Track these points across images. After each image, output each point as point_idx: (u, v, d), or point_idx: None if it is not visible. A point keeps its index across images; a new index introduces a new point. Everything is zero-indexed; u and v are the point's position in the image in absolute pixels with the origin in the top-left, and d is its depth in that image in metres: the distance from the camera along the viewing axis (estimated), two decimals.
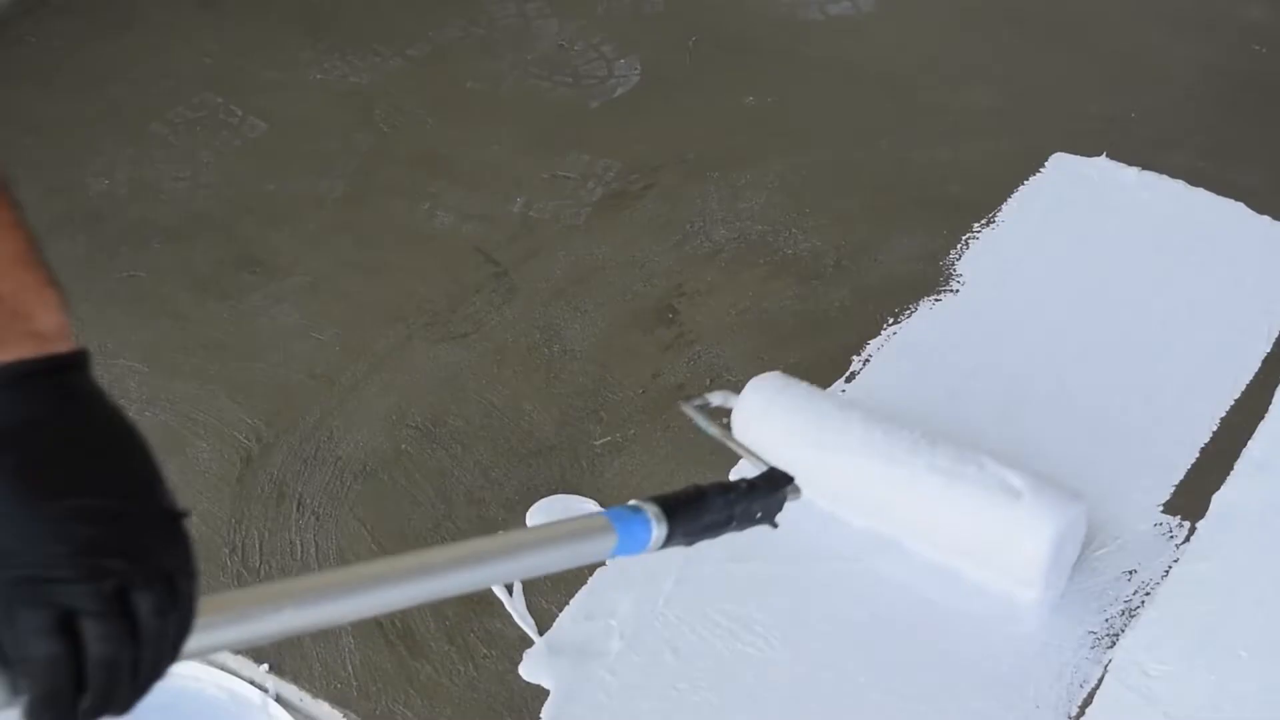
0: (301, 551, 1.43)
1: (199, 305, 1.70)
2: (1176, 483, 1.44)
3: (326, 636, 1.35)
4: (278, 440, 1.55)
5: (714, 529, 1.07)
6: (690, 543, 1.06)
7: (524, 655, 1.33)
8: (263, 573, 1.41)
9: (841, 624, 1.34)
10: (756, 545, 1.33)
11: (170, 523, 0.80)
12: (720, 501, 1.08)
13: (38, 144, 1.93)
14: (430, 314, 1.68)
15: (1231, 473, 1.45)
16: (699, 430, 1.25)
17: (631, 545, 1.03)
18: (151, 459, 0.80)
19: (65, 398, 0.81)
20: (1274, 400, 1.52)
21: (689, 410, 1.28)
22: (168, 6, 2.17)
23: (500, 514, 1.46)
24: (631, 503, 1.04)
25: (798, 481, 1.12)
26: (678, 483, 1.45)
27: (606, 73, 2.01)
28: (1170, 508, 1.42)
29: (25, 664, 0.69)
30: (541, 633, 1.34)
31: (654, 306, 1.68)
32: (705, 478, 1.43)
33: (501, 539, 1.00)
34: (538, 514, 1.45)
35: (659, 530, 1.03)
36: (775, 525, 1.11)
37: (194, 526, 1.38)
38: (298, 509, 1.48)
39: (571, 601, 1.37)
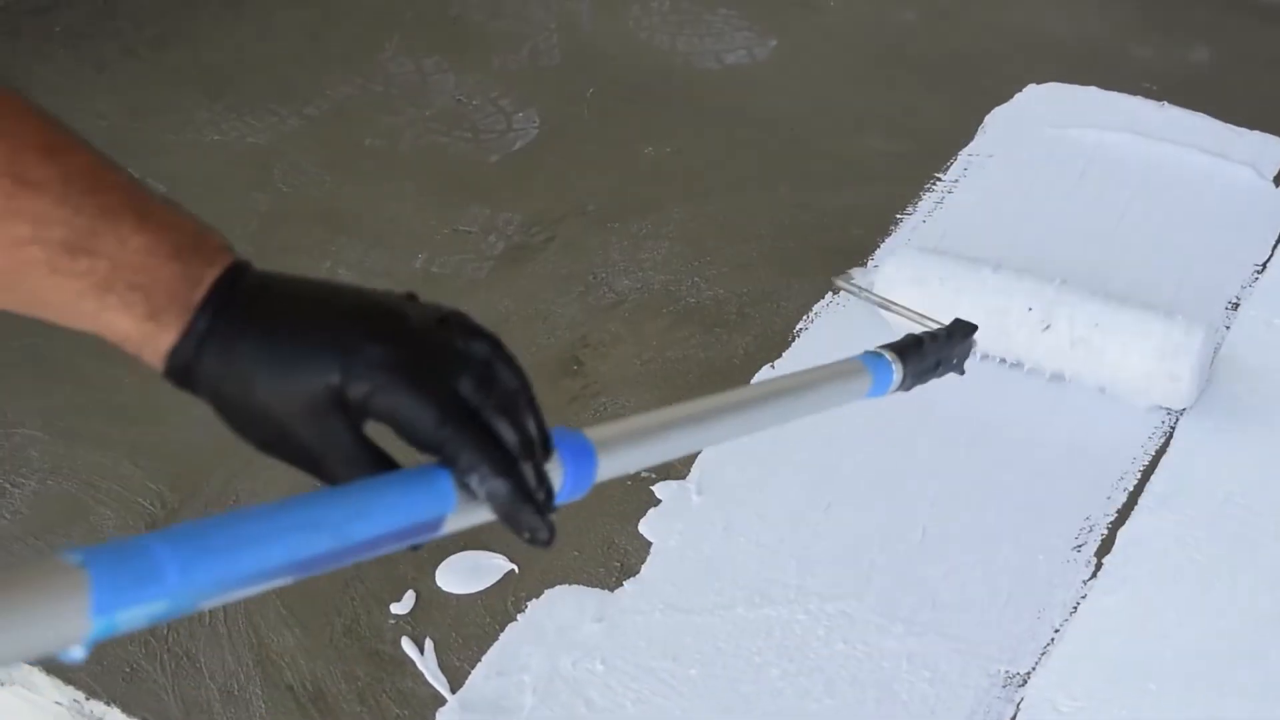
0: (210, 617, 1.42)
1: (100, 370, 1.69)
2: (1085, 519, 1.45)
3: (236, 700, 1.34)
4: (182, 506, 1.53)
5: (929, 372, 1.17)
6: (911, 386, 1.16)
7: (436, 714, 1.32)
8: (170, 640, 1.40)
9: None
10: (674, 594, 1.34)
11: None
12: (932, 346, 1.17)
13: None
14: None
15: (1135, 508, 1.46)
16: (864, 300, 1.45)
17: (881, 385, 1.12)
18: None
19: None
20: (1174, 435, 1.53)
21: (842, 283, 1.57)
22: (62, 71, 2.15)
23: (409, 572, 1.45)
24: (872, 349, 1.13)
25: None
26: (589, 535, 1.47)
27: (505, 126, 2.01)
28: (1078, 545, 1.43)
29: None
30: (454, 690, 1.34)
31: (559, 358, 1.67)
32: (616, 528, 1.45)
33: (776, 383, 1.12)
34: (447, 571, 1.45)
35: (898, 372, 1.13)
36: (963, 372, 1.23)
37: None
38: None
39: (483, 658, 1.36)
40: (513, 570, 1.44)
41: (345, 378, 0.78)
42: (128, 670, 1.38)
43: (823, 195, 1.87)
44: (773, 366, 1.63)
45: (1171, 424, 1.54)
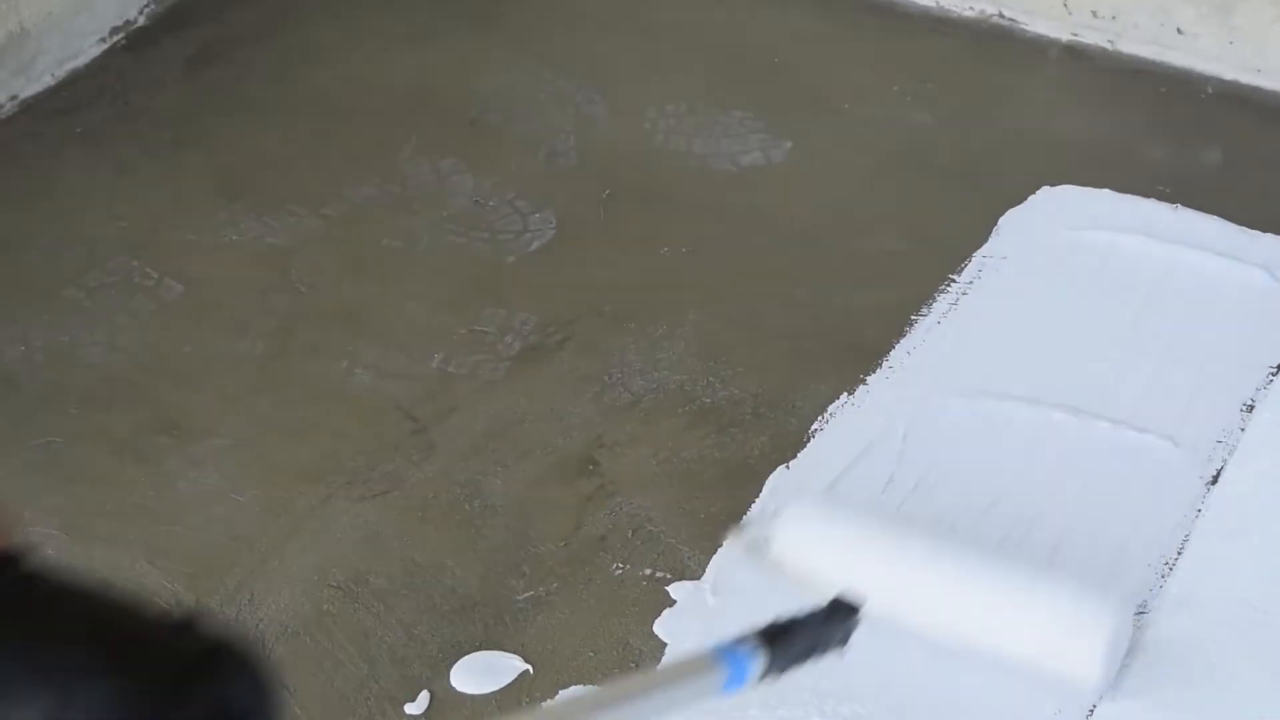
0: None
1: (117, 470, 1.69)
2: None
3: None
4: (198, 604, 1.53)
5: (800, 658, 1.08)
6: (780, 673, 1.07)
7: None
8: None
9: None
10: None
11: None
12: (806, 629, 1.10)
13: None
14: (350, 472, 1.67)
15: (1153, 610, 1.46)
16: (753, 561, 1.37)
17: (738, 679, 1.04)
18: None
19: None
20: (1191, 537, 1.53)
21: (737, 544, 1.46)
22: (83, 173, 2.17)
23: (424, 672, 1.45)
24: (729, 641, 1.05)
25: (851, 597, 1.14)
26: (604, 635, 1.47)
27: (522, 227, 2.02)
28: None
29: None
30: None
31: (574, 459, 1.68)
32: (631, 628, 1.44)
33: (622, 685, 1.08)
34: (462, 671, 1.45)
35: (760, 661, 1.05)
36: (846, 651, 1.13)
37: None
38: None
39: None
40: (527, 671, 1.44)
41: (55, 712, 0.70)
42: None
43: (838, 296, 1.88)
44: (788, 467, 1.63)
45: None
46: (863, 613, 1.13)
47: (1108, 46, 2.30)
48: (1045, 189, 2.01)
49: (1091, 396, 1.68)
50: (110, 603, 0.73)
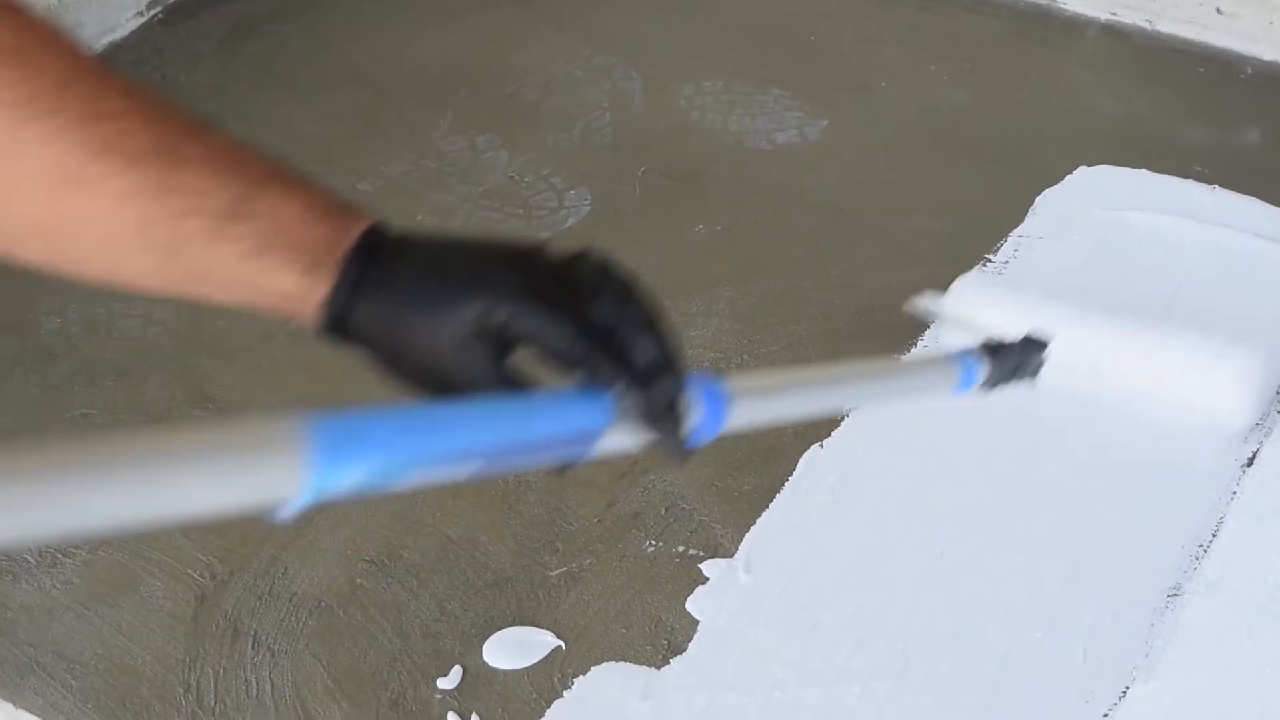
0: (257, 689, 1.42)
1: None
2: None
3: None
4: (232, 577, 1.54)
5: (1008, 376, 1.19)
6: (993, 387, 1.18)
7: None
8: (218, 711, 1.40)
9: None
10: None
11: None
12: (1015, 350, 1.20)
13: None
14: None
15: (1186, 592, 1.46)
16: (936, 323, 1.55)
17: (966, 381, 1.14)
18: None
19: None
20: (1226, 520, 1.53)
21: (920, 309, 1.67)
22: None
23: (457, 647, 1.45)
24: (960, 348, 1.16)
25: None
26: (636, 611, 1.47)
27: (557, 203, 2.02)
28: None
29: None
30: None
31: None
32: (664, 605, 1.45)
33: (880, 364, 1.25)
34: (495, 646, 1.45)
35: (984, 369, 1.16)
36: (1035, 384, 1.24)
37: (147, 665, 1.38)
38: (253, 646, 1.47)
39: None
40: (559, 646, 1.44)
41: (487, 307, 0.82)
42: None
43: (872, 275, 1.87)
44: (821, 446, 1.63)
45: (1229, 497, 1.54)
46: (1050, 349, 1.23)
47: (1146, 26, 2.29)
48: (1082, 169, 2.01)
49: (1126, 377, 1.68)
50: (480, 236, 0.88)
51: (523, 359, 0.84)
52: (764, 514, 1.56)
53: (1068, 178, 1.99)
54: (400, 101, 2.24)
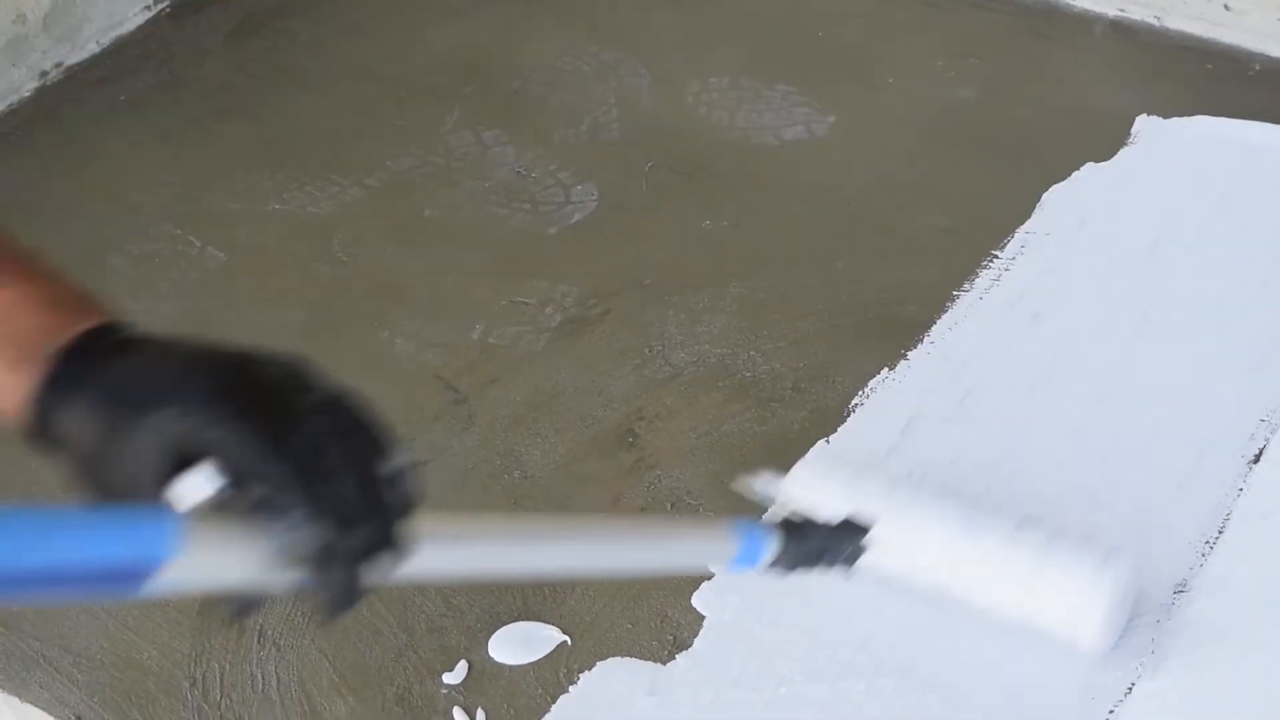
0: (263, 683, 1.42)
1: None
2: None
3: None
4: None
5: (811, 560, 1.12)
6: (787, 571, 1.11)
7: None
8: (223, 706, 1.40)
9: None
10: None
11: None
12: (821, 533, 1.13)
13: None
14: None
15: (1193, 589, 1.46)
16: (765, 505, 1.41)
17: (748, 558, 1.07)
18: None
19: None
20: (1232, 516, 1.52)
21: (747, 486, 1.48)
22: (127, 141, 2.18)
23: (462, 642, 1.45)
24: (749, 520, 1.09)
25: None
26: (642, 607, 1.47)
27: (564, 199, 2.02)
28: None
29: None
30: None
31: (614, 431, 1.68)
32: (669, 601, 1.44)
33: (640, 522, 1.17)
34: (500, 641, 1.45)
35: (774, 547, 1.08)
36: (852, 573, 1.16)
37: (153, 660, 1.38)
38: (259, 641, 1.47)
39: None
40: (565, 642, 1.44)
41: (176, 413, 0.77)
42: None
43: (879, 271, 1.87)
44: (828, 441, 1.63)
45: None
46: (871, 536, 1.15)
47: (1154, 23, 2.28)
48: (1090, 165, 2.00)
49: (1133, 375, 1.67)
50: (204, 341, 0.82)
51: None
52: (769, 509, 1.56)
53: (1075, 174, 1.98)
54: (408, 96, 2.24)
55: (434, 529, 0.86)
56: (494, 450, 1.65)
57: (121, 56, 2.35)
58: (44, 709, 1.42)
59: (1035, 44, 2.27)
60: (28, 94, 2.28)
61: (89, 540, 0.67)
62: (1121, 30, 2.29)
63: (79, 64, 2.33)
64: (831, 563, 1.15)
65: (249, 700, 1.41)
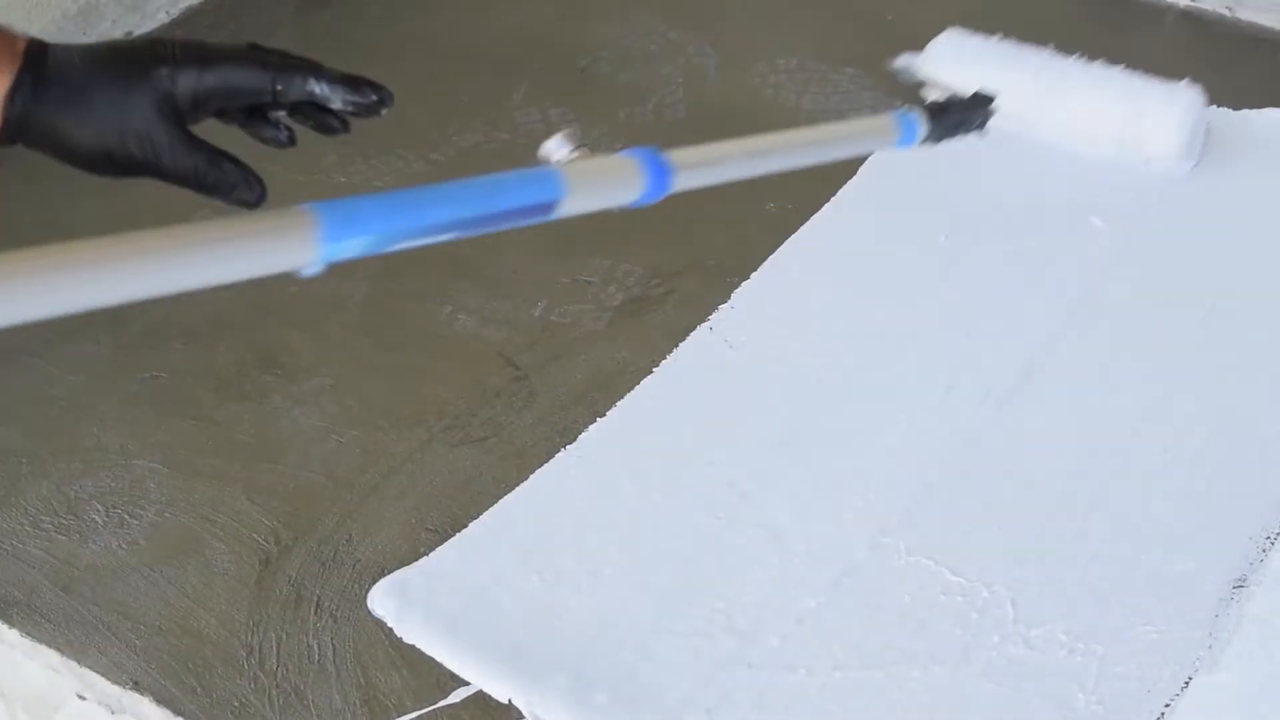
0: (319, 655, 1.43)
1: (220, 406, 1.71)
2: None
3: None
4: (296, 543, 1.55)
5: (954, 130, 1.38)
6: (938, 141, 1.37)
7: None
8: (279, 675, 1.41)
9: None
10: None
11: None
12: (958, 106, 1.38)
13: (62, 226, 1.93)
14: (450, 417, 1.68)
15: (1252, 584, 1.45)
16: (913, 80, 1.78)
17: (908, 137, 1.34)
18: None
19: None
20: None
21: (895, 70, 1.94)
22: None
23: None
24: (902, 107, 1.35)
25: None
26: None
27: None
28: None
29: None
30: None
31: None
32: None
33: (808, 132, 1.40)
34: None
35: (924, 126, 1.35)
36: (985, 133, 1.42)
37: (211, 628, 1.39)
38: (316, 612, 1.47)
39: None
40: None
41: (170, 71, 0.98)
42: (236, 705, 1.39)
43: None
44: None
45: None
46: (996, 103, 1.40)
47: (1226, 14, 2.27)
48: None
49: (1198, 371, 1.67)
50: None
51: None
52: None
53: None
54: (474, 72, 2.24)
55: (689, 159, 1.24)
56: (554, 428, 1.66)
57: (191, 26, 2.36)
58: (102, 674, 1.43)
59: (1105, 33, 2.25)
60: None
61: (522, 192, 1.06)
62: (1192, 20, 2.27)
63: (149, 33, 2.33)
64: (969, 129, 1.38)
65: (305, 670, 1.41)
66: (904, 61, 1.97)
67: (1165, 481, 1.54)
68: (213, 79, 1.01)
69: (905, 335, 1.72)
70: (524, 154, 2.05)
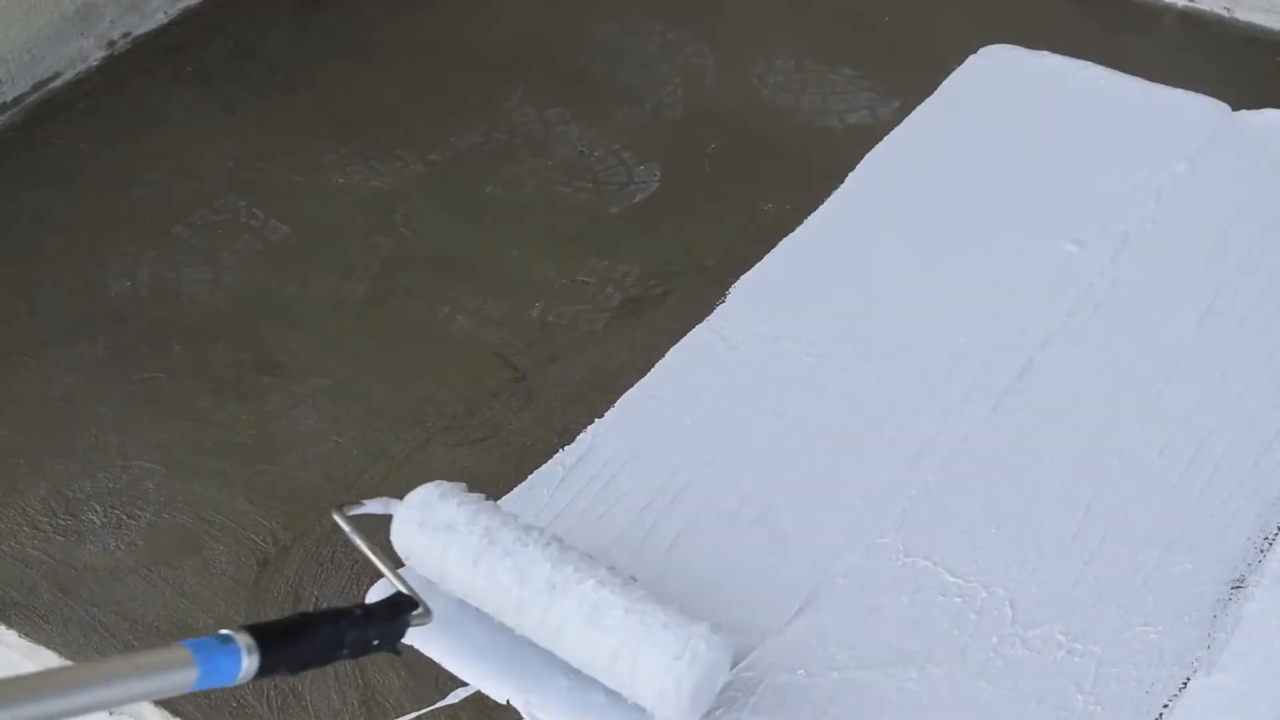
0: None
1: (218, 407, 1.71)
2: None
3: None
4: (294, 543, 1.55)
5: (321, 657, 1.09)
6: (294, 672, 1.08)
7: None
8: (278, 677, 1.41)
9: None
10: None
11: None
12: (329, 629, 1.10)
13: (60, 245, 1.94)
14: (448, 418, 1.68)
15: (1250, 584, 1.45)
16: (345, 540, 1.30)
17: (216, 677, 1.03)
18: None
19: None
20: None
21: (339, 517, 1.33)
22: (192, 110, 2.18)
23: None
24: (222, 631, 1.04)
25: (428, 605, 1.18)
26: None
27: (626, 179, 2.02)
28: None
29: None
30: None
31: None
32: None
33: (67, 672, 1.00)
34: None
35: (250, 661, 1.04)
36: (398, 652, 1.16)
37: (209, 628, 1.38)
38: None
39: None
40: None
41: None
42: (235, 705, 1.39)
43: None
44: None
45: None
46: (421, 614, 1.17)
47: (1224, 14, 2.27)
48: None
49: (1195, 368, 1.67)
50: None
51: None
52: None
53: None
54: (472, 72, 2.24)
55: None
56: (551, 429, 1.66)
57: (189, 27, 2.36)
58: None
59: (1103, 33, 2.25)
60: (95, 63, 2.29)
61: None
62: (1191, 20, 2.27)
63: (146, 34, 2.34)
64: (361, 649, 1.14)
65: (303, 673, 1.41)
66: (372, 506, 1.43)
67: (1163, 482, 1.54)
68: None
69: (904, 336, 1.72)
70: (522, 154, 2.07)
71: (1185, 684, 1.35)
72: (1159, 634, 1.39)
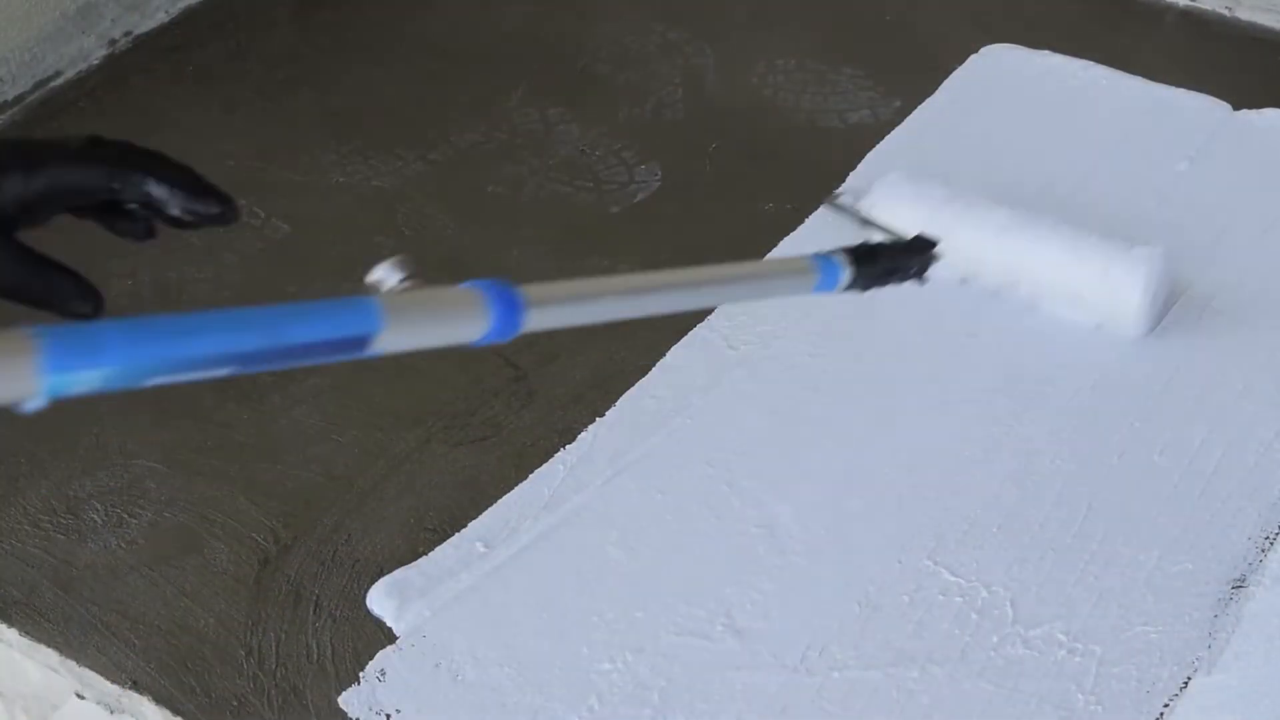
0: (318, 654, 1.43)
1: (219, 406, 1.71)
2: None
3: None
4: (295, 542, 1.55)
5: (884, 278, 1.24)
6: (865, 289, 1.23)
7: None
8: (279, 675, 1.41)
9: None
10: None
11: None
12: (889, 254, 1.25)
13: (62, 243, 1.93)
14: (449, 417, 1.68)
15: (1251, 584, 1.45)
16: (847, 220, 1.48)
17: (828, 283, 1.19)
18: None
19: None
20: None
21: (832, 206, 1.78)
22: (192, 110, 2.18)
23: None
24: (825, 251, 1.21)
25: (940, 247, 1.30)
26: None
27: (628, 178, 2.02)
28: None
29: None
30: None
31: None
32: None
33: (723, 268, 1.21)
34: None
35: (846, 273, 1.20)
36: (925, 281, 1.30)
37: (210, 627, 1.39)
38: (315, 611, 1.47)
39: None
40: None
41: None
42: (235, 704, 1.39)
43: None
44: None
45: None
46: (940, 249, 1.29)
47: (1225, 13, 2.27)
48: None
49: (1193, 373, 1.67)
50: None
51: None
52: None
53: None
54: (473, 72, 2.24)
55: (551, 294, 1.03)
56: (552, 428, 1.66)
57: (190, 26, 2.36)
58: (101, 673, 1.43)
59: (1104, 32, 2.26)
60: (96, 62, 2.29)
61: (317, 324, 0.86)
62: (1192, 20, 2.27)
63: (147, 33, 2.34)
64: (905, 276, 1.27)
65: (304, 670, 1.41)
66: (845, 199, 1.84)
67: (1164, 481, 1.54)
68: (41, 182, 0.92)
69: (904, 335, 1.72)
70: (522, 154, 2.07)
71: (1186, 684, 1.35)
72: (1160, 634, 1.39)
